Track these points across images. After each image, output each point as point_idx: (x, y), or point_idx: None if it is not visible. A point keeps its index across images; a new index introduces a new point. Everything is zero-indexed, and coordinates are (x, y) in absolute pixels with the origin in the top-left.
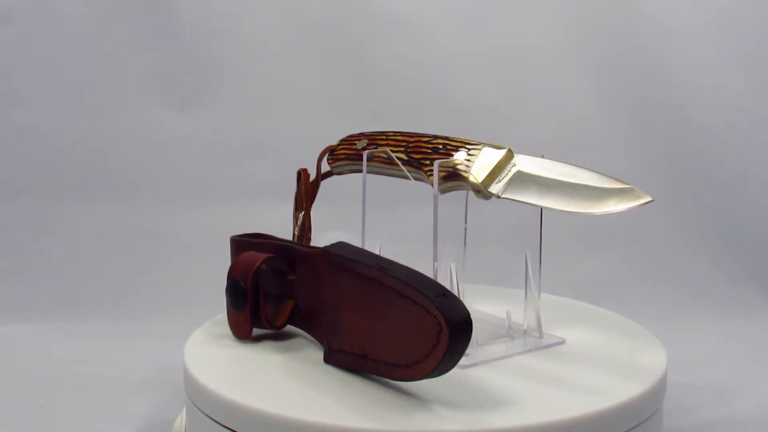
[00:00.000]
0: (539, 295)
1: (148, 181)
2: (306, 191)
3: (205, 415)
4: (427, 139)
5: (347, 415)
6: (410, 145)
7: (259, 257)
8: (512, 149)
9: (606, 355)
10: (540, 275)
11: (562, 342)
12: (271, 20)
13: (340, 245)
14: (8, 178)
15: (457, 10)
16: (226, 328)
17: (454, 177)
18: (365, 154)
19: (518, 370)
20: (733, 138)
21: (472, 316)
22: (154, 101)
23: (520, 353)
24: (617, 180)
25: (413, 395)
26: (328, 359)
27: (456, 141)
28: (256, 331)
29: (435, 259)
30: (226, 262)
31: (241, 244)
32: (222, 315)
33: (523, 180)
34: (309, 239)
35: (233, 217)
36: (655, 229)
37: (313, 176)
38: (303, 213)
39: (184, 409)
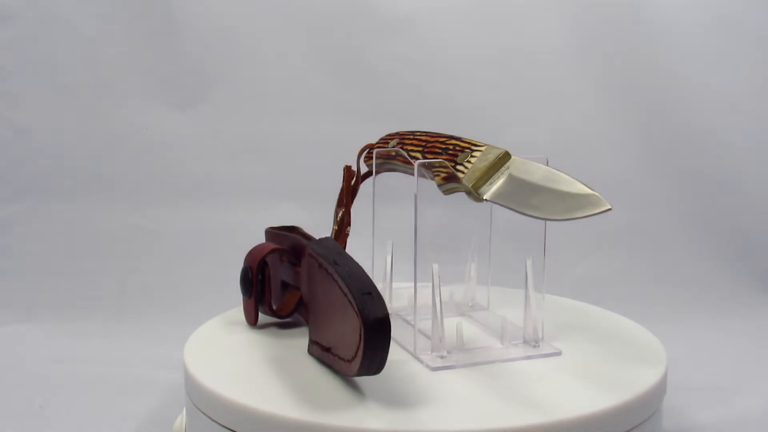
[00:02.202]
0: (543, 300)
1: (147, 181)
2: (347, 189)
3: (205, 415)
4: (443, 139)
5: (349, 415)
6: (428, 145)
7: (267, 248)
8: (510, 152)
9: (601, 361)
10: (544, 281)
11: (558, 353)
12: (271, 20)
13: (322, 240)
14: (8, 178)
15: (457, 11)
16: (227, 328)
17: (454, 178)
18: (375, 152)
19: (497, 376)
20: (733, 138)
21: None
22: (154, 101)
23: (508, 360)
24: (586, 185)
25: (359, 390)
26: (309, 349)
27: (465, 142)
28: (261, 326)
29: (415, 261)
30: (226, 261)
31: (269, 235)
32: (222, 314)
33: (511, 184)
34: (347, 235)
35: (233, 216)
36: (655, 229)
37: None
38: (343, 210)
39: (184, 409)
